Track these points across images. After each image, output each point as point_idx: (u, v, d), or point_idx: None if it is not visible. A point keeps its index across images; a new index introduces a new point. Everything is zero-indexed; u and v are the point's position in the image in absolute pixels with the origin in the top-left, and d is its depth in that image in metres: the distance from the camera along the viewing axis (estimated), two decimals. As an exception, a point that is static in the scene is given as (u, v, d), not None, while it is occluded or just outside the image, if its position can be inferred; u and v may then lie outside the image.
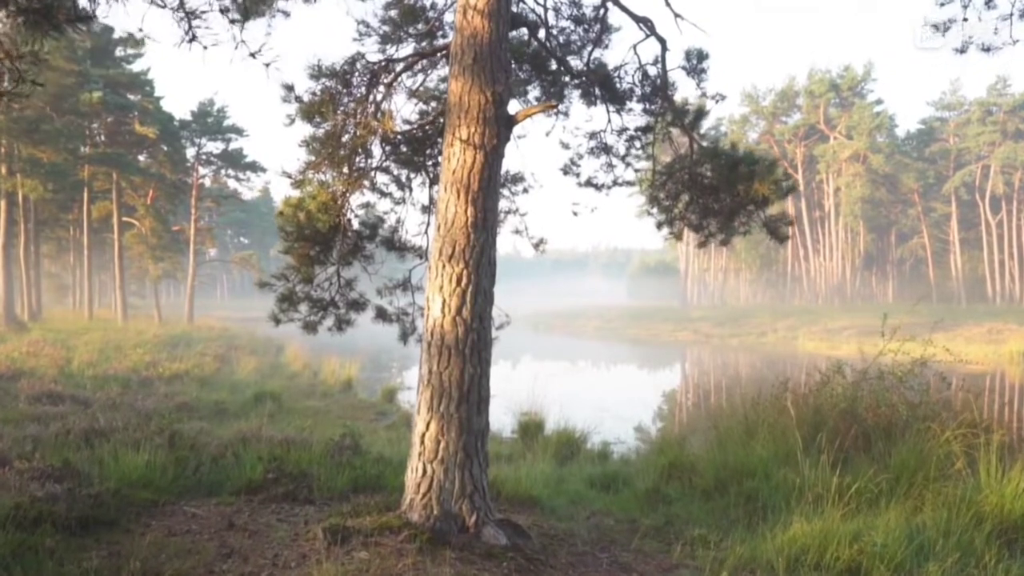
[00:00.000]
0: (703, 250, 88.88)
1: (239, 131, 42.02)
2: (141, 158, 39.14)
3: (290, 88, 6.16)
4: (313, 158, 6.29)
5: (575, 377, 30.06)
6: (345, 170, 6.44)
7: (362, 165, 6.71)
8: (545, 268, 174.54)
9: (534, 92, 8.42)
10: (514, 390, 14.41)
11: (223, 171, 46.20)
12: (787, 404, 9.70)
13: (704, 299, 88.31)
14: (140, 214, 38.54)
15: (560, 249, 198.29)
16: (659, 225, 7.91)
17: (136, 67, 37.29)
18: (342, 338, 7.72)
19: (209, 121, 41.15)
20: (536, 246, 7.70)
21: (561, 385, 22.49)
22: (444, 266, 5.13)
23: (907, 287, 77.76)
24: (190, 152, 42.30)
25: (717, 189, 7.04)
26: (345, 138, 6.22)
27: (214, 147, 42.58)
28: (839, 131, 72.61)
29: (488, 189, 5.19)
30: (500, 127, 5.23)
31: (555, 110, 6.88)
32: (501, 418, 14.21)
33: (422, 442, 5.11)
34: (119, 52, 36.56)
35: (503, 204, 7.52)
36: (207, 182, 52.11)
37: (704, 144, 6.91)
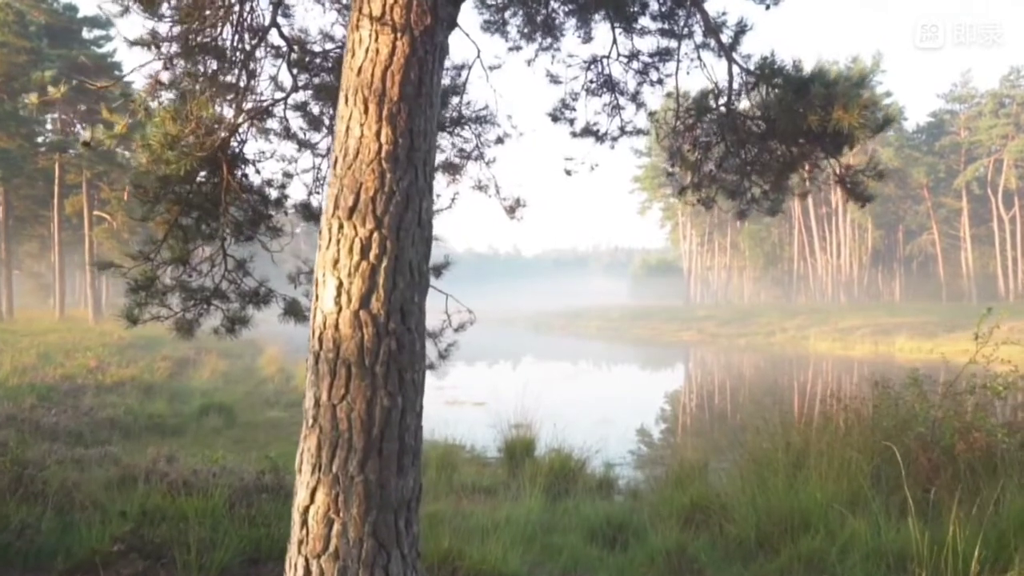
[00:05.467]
0: (706, 248, 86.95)
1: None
2: (119, 149, 36.95)
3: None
4: (160, 68, 4.24)
5: (575, 381, 27.98)
6: (229, 101, 4.38)
7: (260, 96, 4.64)
8: (546, 268, 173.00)
9: (515, 20, 6.37)
10: (506, 398, 12.26)
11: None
12: (840, 423, 7.70)
13: (707, 298, 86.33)
14: (112, 207, 36.34)
15: (561, 249, 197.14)
16: (682, 190, 5.84)
17: (105, 49, 35.04)
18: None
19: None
20: (511, 210, 5.63)
21: (559, 391, 20.44)
22: (341, 227, 3.07)
23: (915, 285, 75.79)
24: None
25: (766, 135, 4.98)
26: (218, 46, 4.17)
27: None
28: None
29: (417, 100, 3.13)
30: (437, -2, 3.17)
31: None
32: (485, 433, 12.13)
33: (304, 523, 3.05)
34: (87, 34, 34.35)
35: (456, 142, 5.44)
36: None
37: (750, 68, 4.84)
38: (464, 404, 19.09)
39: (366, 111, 3.10)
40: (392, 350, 3.02)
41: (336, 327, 3.02)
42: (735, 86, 5.02)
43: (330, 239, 3.09)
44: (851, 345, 42.26)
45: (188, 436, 11.19)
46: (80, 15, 33.61)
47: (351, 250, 3.03)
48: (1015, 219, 66.19)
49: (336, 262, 3.05)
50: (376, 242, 3.02)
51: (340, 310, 3.02)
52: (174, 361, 20.35)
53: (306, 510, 3.04)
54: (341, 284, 3.03)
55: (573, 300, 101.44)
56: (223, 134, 4.28)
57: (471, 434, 12.69)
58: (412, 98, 3.12)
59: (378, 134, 3.08)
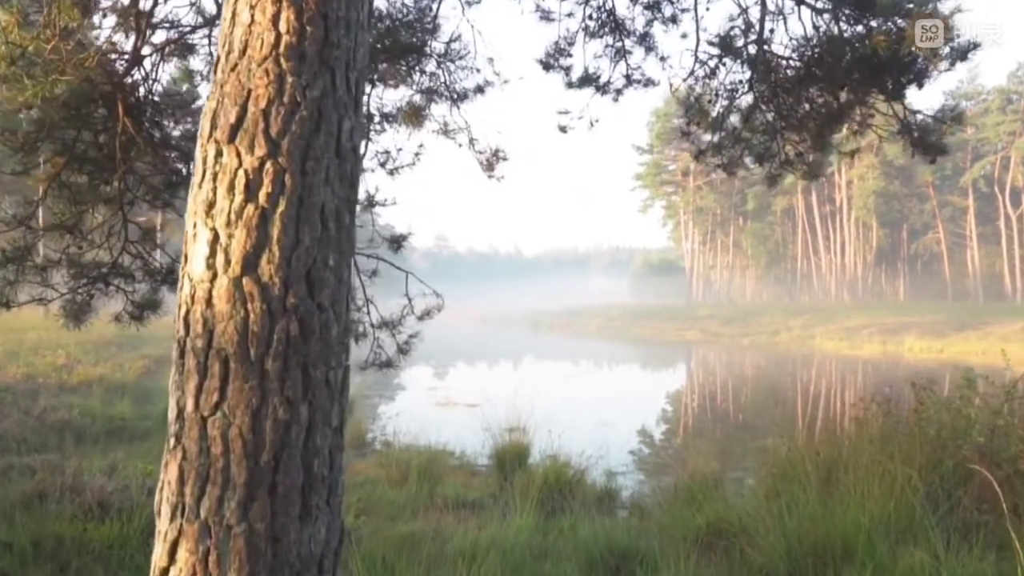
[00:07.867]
0: (708, 247, 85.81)
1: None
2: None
3: None
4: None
5: (574, 382, 26.98)
6: (127, 23, 3.40)
7: (180, 24, 3.66)
8: (547, 267, 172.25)
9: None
10: (502, 399, 11.28)
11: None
12: (876, 431, 6.73)
13: (709, 297, 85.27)
14: (97, 202, 35.38)
15: (561, 248, 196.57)
16: (700, 153, 4.85)
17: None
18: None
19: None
20: (488, 166, 4.65)
21: (558, 392, 19.45)
22: (219, 154, 2.09)
23: (919, 284, 74.77)
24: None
25: (805, 79, 4.00)
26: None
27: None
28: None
29: (336, -27, 2.15)
30: None
31: None
32: (474, 439, 11.15)
33: (162, 592, 2.07)
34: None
35: (422, 82, 4.43)
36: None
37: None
38: (457, 405, 18.11)
39: (258, -14, 2.12)
40: (292, 336, 2.04)
41: (208, 302, 2.04)
42: (768, 15, 4.03)
43: (204, 173, 2.11)
44: (858, 345, 41.31)
45: (148, 441, 10.21)
46: None
47: (231, 188, 2.05)
48: (1022, 217, 65.15)
49: (211, 206, 2.07)
50: (269, 176, 2.04)
51: (214, 276, 2.04)
52: (153, 359, 19.38)
53: (164, 573, 2.06)
54: (217, 238, 2.05)
55: (574, 299, 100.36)
56: (117, 62, 3.32)
57: (461, 438, 11.76)
58: (326, -31, 2.14)
59: (275, 19, 2.10)
